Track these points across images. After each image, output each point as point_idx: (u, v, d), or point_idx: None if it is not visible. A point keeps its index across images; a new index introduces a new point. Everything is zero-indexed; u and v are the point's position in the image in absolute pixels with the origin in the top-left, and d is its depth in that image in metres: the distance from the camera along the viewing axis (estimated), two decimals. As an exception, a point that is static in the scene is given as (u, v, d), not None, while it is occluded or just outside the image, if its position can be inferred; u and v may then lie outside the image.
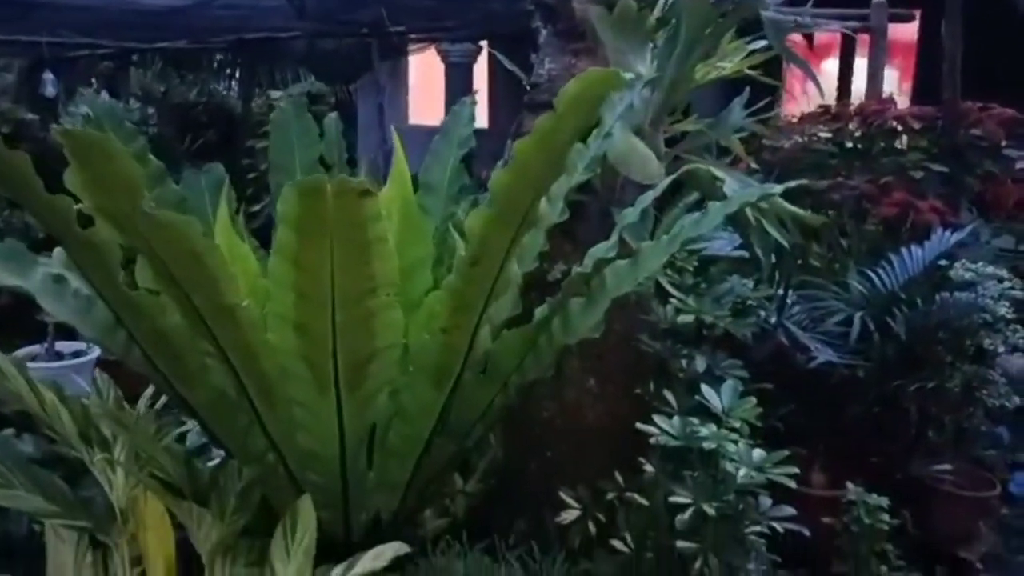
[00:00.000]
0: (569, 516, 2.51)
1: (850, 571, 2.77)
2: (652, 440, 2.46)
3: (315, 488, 2.40)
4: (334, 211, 1.91)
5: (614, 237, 2.38)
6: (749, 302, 2.91)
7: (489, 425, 2.70)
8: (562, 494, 2.58)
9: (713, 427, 2.38)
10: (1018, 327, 3.55)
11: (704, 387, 2.54)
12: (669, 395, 2.63)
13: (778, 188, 2.37)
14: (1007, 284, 3.59)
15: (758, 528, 2.32)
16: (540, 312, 2.46)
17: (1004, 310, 3.45)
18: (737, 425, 2.49)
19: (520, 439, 3.02)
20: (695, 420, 2.42)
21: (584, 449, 2.85)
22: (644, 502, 2.40)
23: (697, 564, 2.24)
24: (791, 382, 3.29)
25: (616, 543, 2.46)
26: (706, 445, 2.31)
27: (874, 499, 2.73)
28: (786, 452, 2.41)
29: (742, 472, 2.19)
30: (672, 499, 2.27)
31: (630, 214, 2.46)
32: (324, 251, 1.99)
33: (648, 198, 2.47)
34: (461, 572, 2.36)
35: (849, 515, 2.74)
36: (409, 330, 2.33)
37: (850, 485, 2.95)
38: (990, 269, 3.59)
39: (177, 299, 2.17)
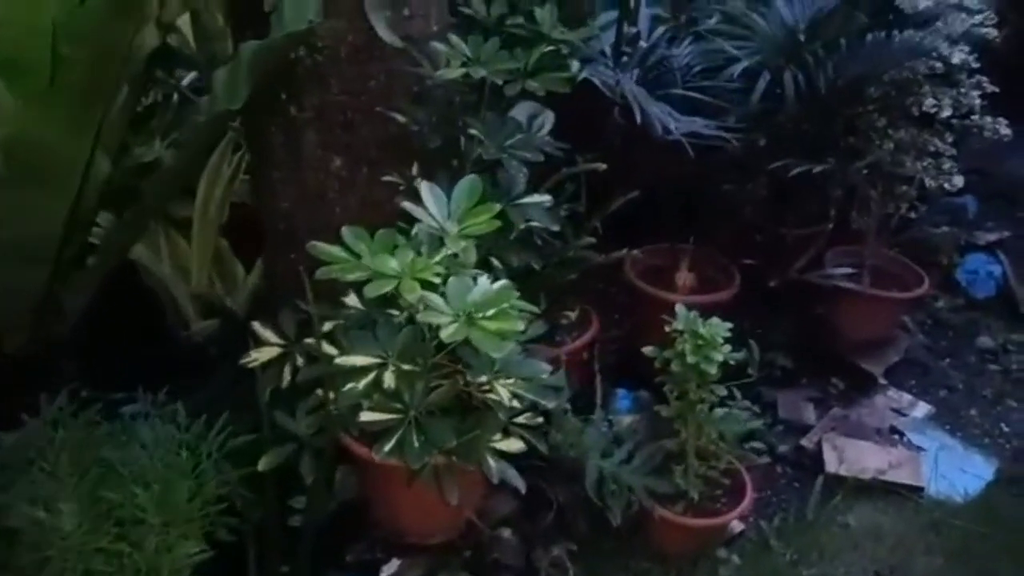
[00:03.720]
0: (260, 356, 1.80)
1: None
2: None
3: None
4: None
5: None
6: (563, 46, 1.98)
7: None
8: (256, 326, 1.86)
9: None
10: (982, 79, 2.60)
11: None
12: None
13: None
14: (978, 19, 2.58)
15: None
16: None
17: (961, 56, 2.48)
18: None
19: (257, 238, 2.28)
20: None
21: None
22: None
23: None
24: (653, 159, 2.44)
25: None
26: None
27: (712, 327, 1.99)
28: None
29: (448, 331, 1.42)
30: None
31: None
32: None
33: None
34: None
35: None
36: None
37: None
38: (957, -6, 2.56)
39: None
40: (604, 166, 2.19)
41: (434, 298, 1.47)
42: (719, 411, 2.12)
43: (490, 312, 1.47)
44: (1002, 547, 2.25)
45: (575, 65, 1.98)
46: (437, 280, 1.49)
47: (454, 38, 1.92)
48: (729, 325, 2.03)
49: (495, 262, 1.97)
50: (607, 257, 2.28)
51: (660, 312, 2.39)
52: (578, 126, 2.20)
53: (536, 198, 1.99)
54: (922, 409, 2.84)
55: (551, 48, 1.99)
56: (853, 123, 2.68)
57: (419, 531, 1.99)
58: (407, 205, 1.60)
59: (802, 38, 2.34)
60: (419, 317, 1.44)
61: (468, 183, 1.64)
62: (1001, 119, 2.57)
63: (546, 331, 2.04)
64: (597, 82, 2.17)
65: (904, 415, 2.81)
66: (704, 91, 2.50)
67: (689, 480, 2.14)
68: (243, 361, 1.83)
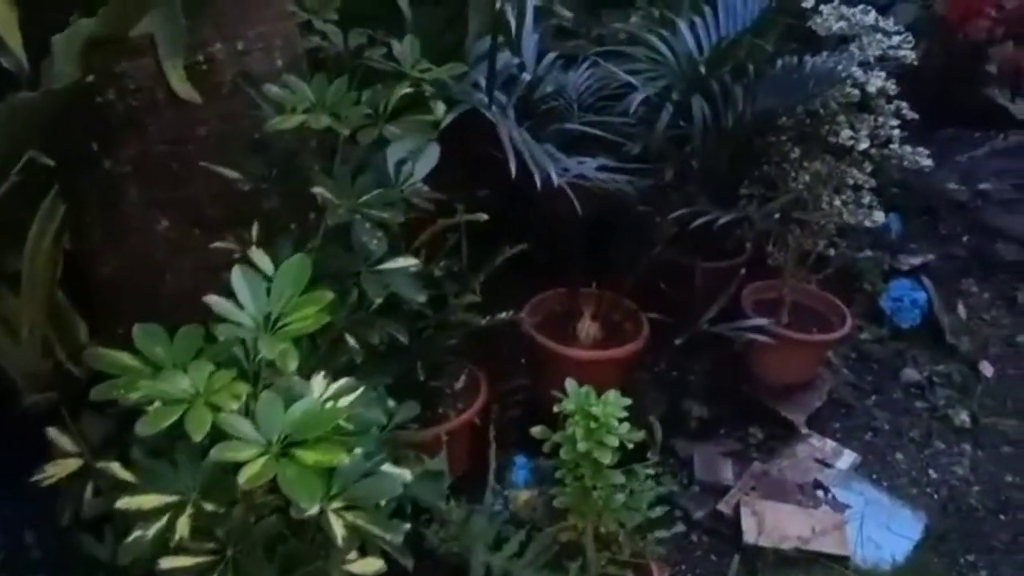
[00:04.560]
0: (57, 472, 1.47)
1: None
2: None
3: None
4: None
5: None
6: (426, 84, 1.68)
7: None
8: (53, 432, 1.53)
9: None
10: (902, 105, 2.40)
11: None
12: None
13: None
14: (896, 40, 2.38)
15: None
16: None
17: (878, 83, 2.27)
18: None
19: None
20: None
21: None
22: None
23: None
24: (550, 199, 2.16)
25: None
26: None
27: (607, 405, 1.72)
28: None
29: (250, 471, 1.11)
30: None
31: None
32: None
33: None
34: None
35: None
36: None
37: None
38: (872, 16, 2.34)
39: None
40: (485, 216, 1.91)
41: (238, 424, 1.17)
42: (619, 497, 1.86)
43: (313, 436, 1.18)
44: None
45: (440, 107, 1.69)
46: (237, 403, 1.18)
47: (292, 79, 1.61)
48: (627, 402, 1.77)
49: (350, 341, 1.68)
50: (492, 319, 2.00)
51: (562, 368, 2.14)
52: (465, 164, 1.92)
53: (400, 262, 1.70)
54: (847, 459, 2.64)
55: (413, 88, 1.69)
56: (767, 154, 2.46)
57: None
58: (210, 299, 1.29)
59: (702, 69, 2.09)
60: (214, 453, 1.14)
61: (293, 265, 1.34)
62: (921, 149, 2.37)
63: (419, 410, 1.77)
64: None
65: (828, 466, 2.61)
66: (603, 125, 2.24)
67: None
68: (35, 478, 1.50)
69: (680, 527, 2.35)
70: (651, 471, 2.17)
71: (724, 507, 2.38)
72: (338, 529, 1.26)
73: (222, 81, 1.67)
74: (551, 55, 2.18)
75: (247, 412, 1.21)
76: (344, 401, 1.42)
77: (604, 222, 2.42)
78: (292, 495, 1.11)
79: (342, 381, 1.39)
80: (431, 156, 1.80)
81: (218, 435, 1.20)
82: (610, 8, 2.69)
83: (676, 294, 2.47)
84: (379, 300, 1.62)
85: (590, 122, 2.17)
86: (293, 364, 1.26)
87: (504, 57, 2.10)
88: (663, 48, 2.20)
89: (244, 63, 1.70)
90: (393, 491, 1.35)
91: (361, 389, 1.47)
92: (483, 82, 1.92)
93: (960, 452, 2.76)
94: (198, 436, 1.12)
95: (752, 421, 2.68)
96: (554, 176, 1.78)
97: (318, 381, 1.38)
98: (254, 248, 1.58)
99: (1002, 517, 2.52)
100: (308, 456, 1.15)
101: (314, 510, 1.27)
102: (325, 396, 1.35)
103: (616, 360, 2.38)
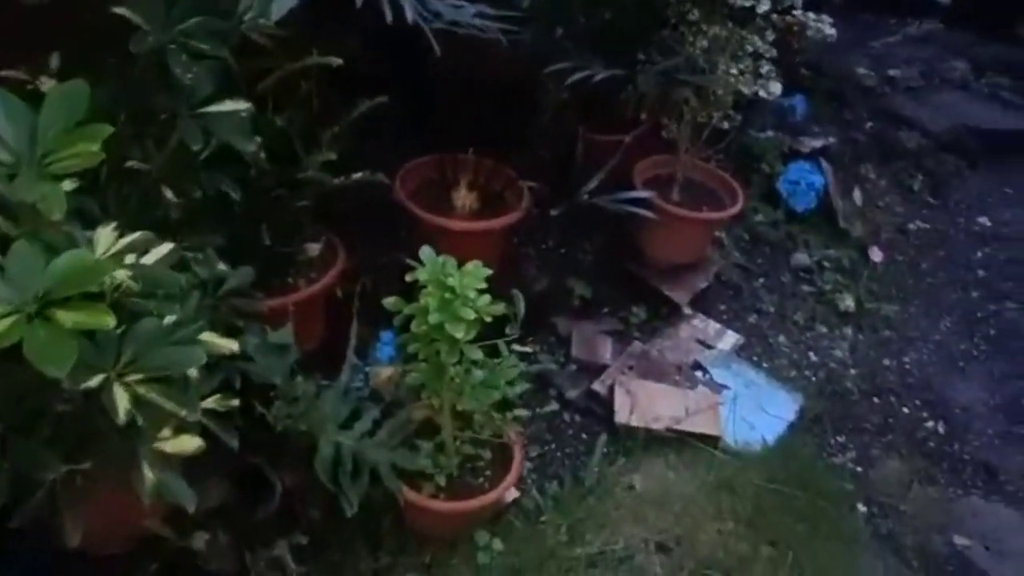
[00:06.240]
0: None
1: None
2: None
3: None
4: None
5: None
6: None
7: None
8: None
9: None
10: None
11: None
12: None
13: None
14: None
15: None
16: None
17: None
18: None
19: None
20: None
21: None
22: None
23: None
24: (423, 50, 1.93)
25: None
26: None
27: (466, 276, 1.57)
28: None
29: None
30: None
31: None
32: None
33: None
34: None
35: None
36: None
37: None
38: None
39: None
40: (339, 61, 1.69)
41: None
42: (478, 373, 1.74)
43: (77, 295, 0.99)
44: (797, 507, 2.04)
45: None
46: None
47: None
48: (486, 272, 1.62)
49: (167, 193, 1.47)
50: (346, 179, 1.81)
51: (437, 239, 1.98)
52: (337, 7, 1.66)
53: (229, 105, 1.48)
54: (729, 339, 2.59)
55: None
56: (666, 16, 2.27)
57: (87, 543, 1.54)
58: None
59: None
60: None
61: (65, 93, 1.11)
62: (825, 17, 2.22)
63: (255, 276, 1.59)
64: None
65: (710, 347, 2.55)
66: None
67: (445, 455, 1.77)
68: None
69: (553, 405, 2.28)
70: (526, 348, 2.07)
71: (599, 386, 2.30)
72: (121, 403, 1.09)
73: None
74: None
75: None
76: (146, 258, 1.24)
77: (488, 81, 2.21)
78: (37, 361, 0.92)
79: (136, 235, 1.20)
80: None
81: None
82: None
83: (561, 164, 2.30)
84: (197, 147, 1.41)
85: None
86: (59, 210, 1.05)
87: None
88: None
89: None
90: (193, 362, 1.17)
91: (169, 247, 1.28)
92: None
93: (841, 336, 2.75)
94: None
95: (636, 300, 2.59)
96: (409, 13, 1.55)
97: (106, 233, 1.18)
98: (44, 79, 1.34)
99: (875, 400, 2.53)
100: (67, 317, 0.97)
101: (94, 381, 1.10)
102: (112, 251, 1.16)
103: (493, 231, 2.23)
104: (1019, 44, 4.69)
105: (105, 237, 1.16)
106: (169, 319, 1.22)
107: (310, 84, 1.79)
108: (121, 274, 1.10)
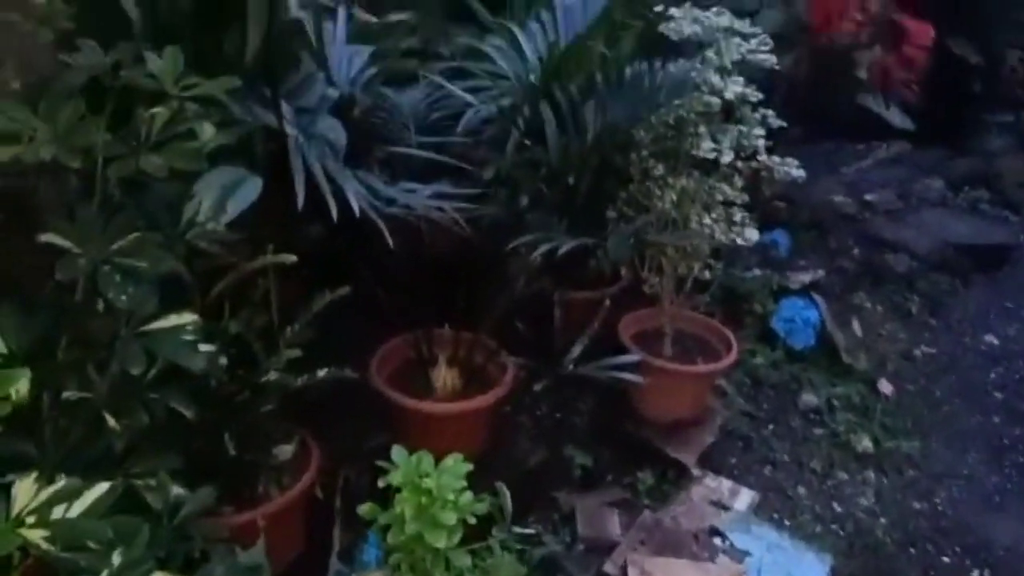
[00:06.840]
0: None
1: None
2: None
3: None
4: None
5: None
6: (189, 104, 1.38)
7: None
8: None
9: None
10: (767, 112, 2.21)
11: None
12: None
13: None
14: (754, 43, 2.20)
15: None
16: None
17: (738, 88, 2.08)
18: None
19: None
20: None
21: None
22: None
23: None
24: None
25: None
26: None
27: (444, 474, 1.43)
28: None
29: None
30: None
31: None
32: None
33: None
34: None
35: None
36: None
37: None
38: (727, 19, 2.16)
39: None
40: (293, 258, 1.62)
41: None
42: (470, 579, 1.56)
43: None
44: None
45: (207, 130, 1.39)
46: None
47: (9, 104, 1.30)
48: (466, 468, 1.48)
49: (110, 421, 1.36)
50: (310, 378, 1.70)
51: (419, 425, 1.86)
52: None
53: (172, 320, 1.39)
54: (745, 498, 2.41)
55: (175, 109, 1.39)
56: (629, 173, 2.24)
57: None
58: None
59: (532, 78, 1.85)
60: None
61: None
62: (791, 159, 2.19)
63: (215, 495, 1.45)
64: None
65: (725, 508, 2.36)
66: (443, 147, 1.98)
67: None
68: None
69: (563, 598, 2.08)
70: (528, 529, 1.91)
71: (611, 567, 2.10)
72: None
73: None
74: (371, 70, 1.90)
75: None
76: (77, 505, 1.11)
77: (453, 255, 2.15)
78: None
79: (61, 484, 1.07)
80: (249, 190, 1.52)
81: None
82: (462, 23, 2.46)
83: (540, 331, 2.20)
84: (139, 370, 1.31)
85: (426, 144, 1.91)
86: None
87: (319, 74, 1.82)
88: (500, 61, 1.96)
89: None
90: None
91: (104, 487, 1.15)
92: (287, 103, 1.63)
93: (864, 481, 2.57)
94: None
95: (640, 465, 2.42)
96: (356, 205, 1.49)
97: (25, 487, 1.05)
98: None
99: (912, 551, 2.32)
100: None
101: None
102: (31, 506, 1.03)
103: (478, 411, 2.10)
104: (989, 156, 4.75)
105: (24, 492, 1.04)
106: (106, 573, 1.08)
107: (267, 282, 1.71)
108: (35, 534, 0.97)
